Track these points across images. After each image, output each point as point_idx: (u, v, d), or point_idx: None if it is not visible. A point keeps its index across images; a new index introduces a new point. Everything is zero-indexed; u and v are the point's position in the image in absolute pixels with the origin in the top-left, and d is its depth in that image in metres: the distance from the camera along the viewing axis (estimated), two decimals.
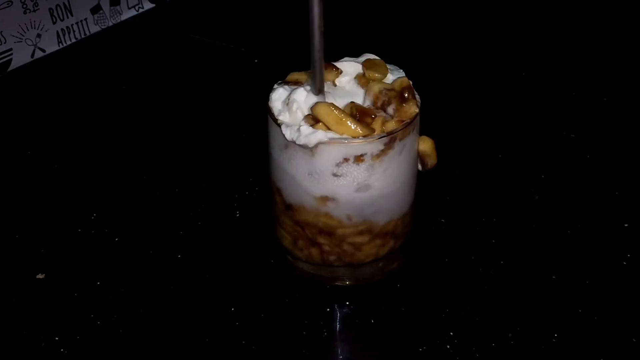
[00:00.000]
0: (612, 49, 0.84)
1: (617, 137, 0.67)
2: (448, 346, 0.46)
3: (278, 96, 0.47)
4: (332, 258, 0.49)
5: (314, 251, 0.49)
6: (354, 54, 0.51)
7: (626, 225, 0.56)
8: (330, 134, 0.44)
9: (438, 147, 0.49)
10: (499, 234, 0.55)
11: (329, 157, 0.44)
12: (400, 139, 0.45)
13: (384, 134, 0.44)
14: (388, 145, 0.44)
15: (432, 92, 0.54)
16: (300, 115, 0.45)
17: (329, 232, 0.47)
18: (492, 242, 0.55)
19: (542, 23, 0.90)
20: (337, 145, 0.44)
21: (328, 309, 0.49)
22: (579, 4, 0.93)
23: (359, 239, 0.47)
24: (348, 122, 0.43)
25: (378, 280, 0.51)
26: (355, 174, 0.45)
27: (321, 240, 0.48)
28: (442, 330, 0.47)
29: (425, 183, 0.52)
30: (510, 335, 0.47)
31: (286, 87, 0.48)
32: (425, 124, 0.48)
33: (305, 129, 0.44)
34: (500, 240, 0.55)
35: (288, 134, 0.44)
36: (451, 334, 0.47)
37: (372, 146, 0.44)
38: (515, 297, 0.50)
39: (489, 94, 0.75)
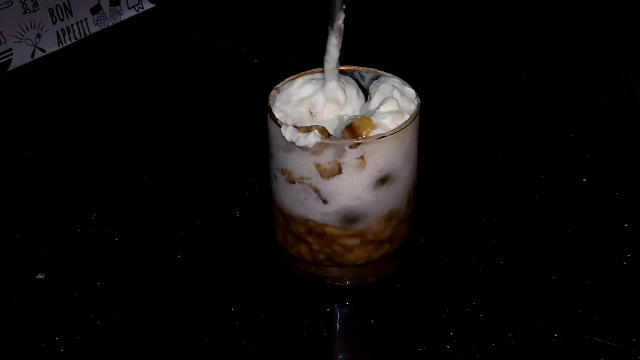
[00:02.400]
0: (611, 49, 0.84)
1: (617, 137, 0.67)
2: (448, 346, 0.46)
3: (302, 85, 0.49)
4: (321, 257, 0.49)
5: (303, 248, 0.49)
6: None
7: (626, 225, 0.56)
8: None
9: (438, 147, 0.49)
10: (499, 234, 0.55)
11: (327, 158, 0.44)
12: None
13: (382, 135, 0.44)
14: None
15: (433, 92, 0.54)
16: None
17: (319, 233, 0.47)
18: (492, 242, 0.55)
19: (542, 23, 0.90)
20: (336, 146, 0.44)
21: (328, 309, 0.49)
22: (579, 4, 0.93)
23: (349, 242, 0.47)
24: None
25: (378, 280, 0.51)
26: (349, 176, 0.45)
27: (310, 239, 0.48)
28: (442, 330, 0.47)
29: (425, 183, 0.52)
30: (510, 335, 0.47)
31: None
32: (426, 124, 0.48)
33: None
34: (500, 240, 0.55)
35: (288, 135, 0.44)
36: (451, 334, 0.47)
37: (370, 148, 0.44)
38: (515, 297, 0.50)
39: (489, 94, 0.75)
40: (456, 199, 0.59)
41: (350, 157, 0.44)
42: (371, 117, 0.46)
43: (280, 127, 0.45)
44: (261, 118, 0.48)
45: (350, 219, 0.46)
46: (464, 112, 0.72)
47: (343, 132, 0.46)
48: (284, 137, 0.44)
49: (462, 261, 0.53)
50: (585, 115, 0.71)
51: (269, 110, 0.47)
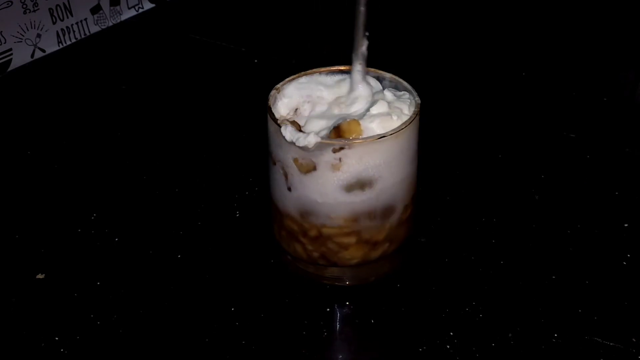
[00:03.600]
0: (611, 49, 0.84)
1: (617, 137, 0.67)
2: (448, 346, 0.46)
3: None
4: (316, 255, 0.49)
5: (299, 247, 0.49)
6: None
7: (626, 225, 0.56)
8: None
9: (438, 147, 0.49)
10: (499, 234, 0.55)
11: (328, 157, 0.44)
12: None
13: (383, 134, 0.44)
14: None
15: (433, 92, 0.54)
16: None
17: (313, 236, 0.47)
18: (492, 242, 0.55)
19: (542, 23, 0.90)
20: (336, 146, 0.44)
21: (328, 309, 0.49)
22: (579, 4, 0.93)
23: (345, 240, 0.47)
24: None
25: (378, 280, 0.51)
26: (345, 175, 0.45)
27: (303, 240, 0.48)
28: (442, 330, 0.47)
29: (425, 183, 0.52)
30: (510, 335, 0.47)
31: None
32: (426, 124, 0.48)
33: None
34: (500, 240, 0.55)
35: (288, 135, 0.44)
36: (451, 334, 0.47)
37: (371, 147, 0.44)
38: (515, 297, 0.50)
39: (489, 94, 0.75)
40: (456, 199, 0.59)
41: (328, 157, 0.44)
42: (360, 121, 0.45)
43: (280, 127, 0.45)
44: (261, 118, 0.48)
45: (305, 212, 0.47)
46: (464, 112, 0.72)
47: (330, 132, 0.46)
48: (283, 136, 0.44)
49: (462, 261, 0.53)
50: (585, 115, 0.71)
51: (269, 110, 0.47)
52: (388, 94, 0.48)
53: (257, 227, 0.56)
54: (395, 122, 0.45)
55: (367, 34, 0.47)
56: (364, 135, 0.45)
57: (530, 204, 0.59)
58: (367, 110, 0.47)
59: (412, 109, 0.47)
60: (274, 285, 0.51)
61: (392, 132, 0.44)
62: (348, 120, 0.45)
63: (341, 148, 0.44)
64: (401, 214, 0.48)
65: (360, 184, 0.45)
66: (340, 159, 0.44)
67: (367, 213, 0.46)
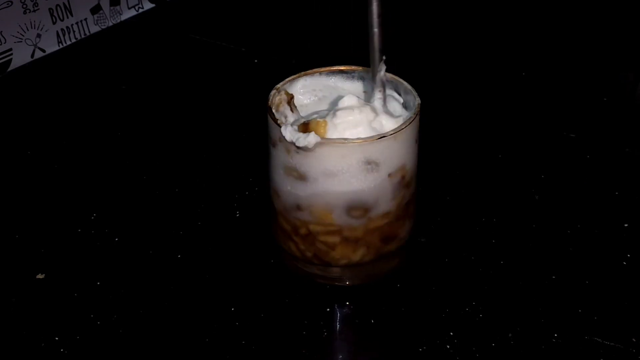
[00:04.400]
0: (611, 49, 0.84)
1: (617, 137, 0.67)
2: (448, 346, 0.46)
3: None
4: (308, 255, 0.49)
5: (292, 246, 0.49)
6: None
7: (626, 225, 0.56)
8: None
9: (438, 147, 0.49)
10: (499, 234, 0.55)
11: (327, 158, 0.44)
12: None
13: (384, 134, 0.44)
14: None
15: (433, 92, 0.54)
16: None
17: (304, 234, 0.47)
18: (492, 242, 0.55)
19: (542, 23, 0.91)
20: (335, 146, 0.44)
21: (328, 309, 0.49)
22: (579, 4, 0.93)
23: (330, 239, 0.47)
24: None
25: (378, 280, 0.51)
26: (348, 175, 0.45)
27: (296, 239, 0.48)
28: (442, 330, 0.47)
29: (425, 183, 0.52)
30: (510, 335, 0.47)
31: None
32: (426, 124, 0.48)
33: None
34: (500, 240, 0.55)
35: (288, 135, 0.44)
36: (451, 334, 0.47)
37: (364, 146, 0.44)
38: (515, 297, 0.50)
39: (489, 94, 0.75)
40: (456, 199, 0.59)
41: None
42: (329, 122, 0.45)
43: (280, 127, 0.45)
44: (261, 118, 0.48)
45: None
46: (464, 112, 0.72)
47: (299, 125, 0.45)
48: (283, 136, 0.44)
49: (462, 261, 0.53)
50: (585, 115, 0.71)
51: (269, 111, 0.47)
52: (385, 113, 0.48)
53: (257, 227, 0.56)
54: (362, 133, 0.45)
55: (384, 58, 0.45)
56: (327, 136, 0.45)
57: (530, 204, 0.59)
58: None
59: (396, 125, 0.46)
60: (274, 285, 0.51)
61: (392, 132, 0.44)
62: (318, 120, 0.45)
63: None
64: (388, 212, 0.47)
65: None
66: None
67: (348, 209, 0.46)
